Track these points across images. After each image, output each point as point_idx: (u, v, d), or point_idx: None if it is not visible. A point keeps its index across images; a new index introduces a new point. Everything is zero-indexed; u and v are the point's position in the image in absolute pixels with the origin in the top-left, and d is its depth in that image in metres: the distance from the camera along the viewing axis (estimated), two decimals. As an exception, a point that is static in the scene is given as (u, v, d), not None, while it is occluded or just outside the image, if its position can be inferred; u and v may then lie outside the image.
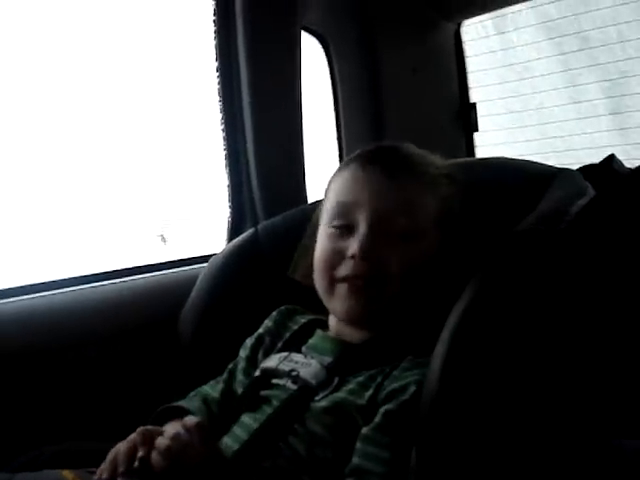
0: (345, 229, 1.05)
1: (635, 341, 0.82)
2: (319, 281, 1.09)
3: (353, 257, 1.02)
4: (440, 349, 0.87)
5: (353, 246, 1.02)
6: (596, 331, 0.84)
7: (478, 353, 0.86)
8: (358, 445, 0.93)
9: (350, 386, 0.99)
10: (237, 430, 1.02)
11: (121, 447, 0.91)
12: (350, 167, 1.10)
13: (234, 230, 1.57)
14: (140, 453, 0.88)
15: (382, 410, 0.94)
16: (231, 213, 1.58)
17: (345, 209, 1.06)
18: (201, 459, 0.89)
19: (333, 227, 1.07)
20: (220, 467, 0.92)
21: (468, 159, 1.76)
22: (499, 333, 0.86)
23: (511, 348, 0.85)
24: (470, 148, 1.95)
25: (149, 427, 0.93)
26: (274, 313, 1.19)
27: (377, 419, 0.94)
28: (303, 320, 1.16)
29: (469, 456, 0.83)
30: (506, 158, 1.31)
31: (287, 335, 1.14)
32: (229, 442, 1.00)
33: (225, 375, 1.16)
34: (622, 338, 0.82)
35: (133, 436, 0.92)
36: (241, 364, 1.15)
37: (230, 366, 1.17)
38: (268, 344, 1.14)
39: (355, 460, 0.93)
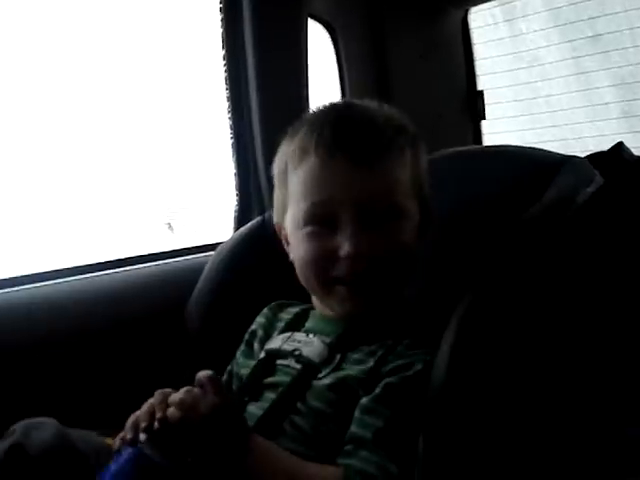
0: (326, 226, 1.02)
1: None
2: (310, 282, 1.06)
3: (346, 257, 0.99)
4: (449, 337, 0.88)
5: (344, 246, 0.99)
6: (603, 320, 0.84)
7: (487, 341, 0.86)
8: (356, 414, 0.95)
9: (351, 362, 1.00)
10: None
11: (140, 411, 0.92)
12: (309, 160, 1.03)
13: (241, 218, 1.57)
14: (159, 414, 0.89)
15: (383, 383, 0.95)
16: (238, 201, 1.59)
17: (322, 208, 1.02)
18: (215, 409, 0.89)
19: (311, 226, 1.03)
20: (234, 416, 0.92)
21: (475, 147, 1.76)
22: (508, 320, 0.86)
23: (520, 335, 0.86)
24: (477, 136, 1.94)
25: (165, 389, 0.93)
26: (264, 309, 1.20)
27: (377, 390, 0.94)
28: (295, 310, 1.16)
29: (476, 444, 0.83)
30: (513, 146, 1.30)
31: (281, 325, 1.14)
32: None
33: (225, 376, 1.17)
34: (630, 325, 0.82)
35: (150, 400, 0.93)
36: (239, 360, 1.16)
37: (228, 368, 1.18)
38: (262, 335, 1.15)
39: (352, 428, 0.94)
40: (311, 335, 1.07)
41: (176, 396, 0.90)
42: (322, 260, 1.02)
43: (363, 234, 0.99)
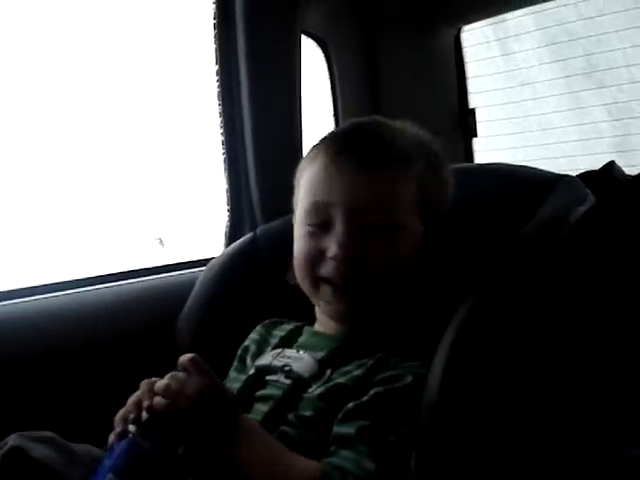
0: (321, 227, 1.04)
1: (636, 347, 0.82)
2: (302, 280, 1.09)
3: (333, 259, 1.01)
4: (441, 355, 0.87)
5: (332, 247, 1.01)
6: (597, 338, 0.84)
7: (479, 360, 0.86)
8: (339, 416, 0.95)
9: (341, 373, 1.00)
10: None
11: (127, 404, 0.92)
12: (319, 159, 1.07)
13: (232, 234, 1.56)
14: (145, 403, 0.88)
15: (371, 392, 0.95)
16: (229, 217, 1.58)
17: (319, 208, 1.04)
18: (202, 390, 0.89)
19: (309, 225, 1.06)
20: (222, 395, 0.91)
21: (468, 164, 1.76)
22: (500, 340, 0.86)
23: (512, 355, 0.85)
24: (469, 153, 1.94)
25: (151, 379, 0.92)
26: (258, 327, 1.20)
27: (364, 398, 0.94)
28: (290, 327, 1.16)
29: (469, 462, 0.83)
30: (506, 164, 1.31)
31: (275, 341, 1.14)
32: None
33: None
34: (623, 345, 0.82)
35: (137, 392, 0.92)
36: (232, 375, 1.15)
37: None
38: (255, 351, 1.14)
39: (335, 429, 0.94)
40: (302, 351, 1.07)
41: (161, 383, 0.89)
42: (312, 258, 1.05)
43: (354, 238, 1.00)
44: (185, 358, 0.92)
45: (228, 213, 1.58)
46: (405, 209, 1.03)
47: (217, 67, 1.50)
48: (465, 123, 1.91)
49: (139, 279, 1.49)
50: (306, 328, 1.13)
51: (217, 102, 1.52)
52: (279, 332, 1.16)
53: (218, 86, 1.51)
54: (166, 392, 0.88)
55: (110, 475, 0.86)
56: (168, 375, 0.91)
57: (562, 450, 0.82)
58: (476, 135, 1.93)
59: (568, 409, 0.83)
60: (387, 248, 1.01)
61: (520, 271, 0.89)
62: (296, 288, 1.29)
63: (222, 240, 1.58)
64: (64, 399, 1.30)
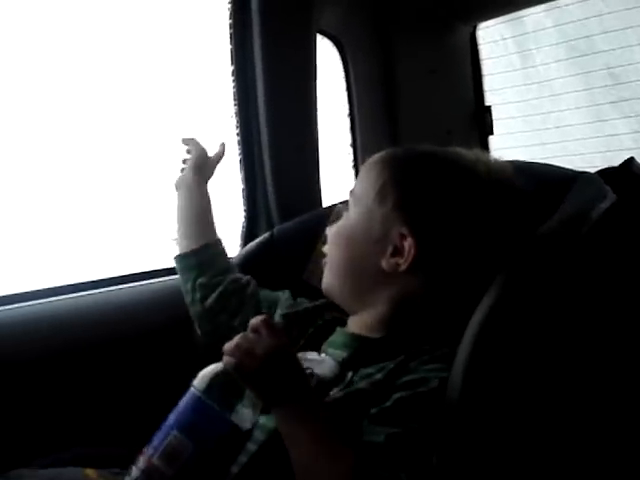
0: None
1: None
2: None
3: None
4: (463, 354, 0.87)
5: None
6: (616, 333, 0.83)
7: (500, 358, 0.85)
8: (365, 424, 0.94)
9: (362, 376, 1.00)
10: (255, 432, 1.00)
11: None
12: None
13: (249, 235, 1.56)
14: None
15: (395, 396, 0.94)
16: (246, 217, 1.58)
17: None
18: (272, 351, 0.90)
19: None
20: (291, 357, 0.94)
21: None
22: (522, 335, 0.86)
23: (533, 350, 0.85)
24: (485, 151, 1.93)
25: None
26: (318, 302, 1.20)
27: (388, 403, 0.94)
28: (327, 317, 1.16)
29: (491, 460, 0.82)
30: (525, 162, 1.30)
31: (311, 330, 1.15)
32: (247, 445, 1.00)
33: None
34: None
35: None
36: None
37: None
38: (303, 323, 1.16)
39: (364, 438, 0.92)
40: (323, 354, 1.07)
41: (231, 343, 0.92)
42: None
43: None
44: (257, 319, 0.94)
45: (244, 213, 1.58)
46: (352, 202, 1.11)
47: (232, 67, 1.50)
48: (481, 121, 1.90)
49: (155, 280, 1.49)
50: (338, 329, 1.12)
51: (233, 103, 1.51)
52: (318, 319, 1.16)
53: (234, 87, 1.51)
54: (235, 351, 0.90)
55: (174, 432, 0.88)
56: (240, 335, 0.93)
57: (578, 444, 0.81)
58: (492, 133, 1.92)
59: (587, 404, 0.82)
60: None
61: (543, 268, 0.88)
62: (314, 287, 1.29)
63: (238, 241, 1.58)
64: (69, 401, 1.31)
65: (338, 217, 1.30)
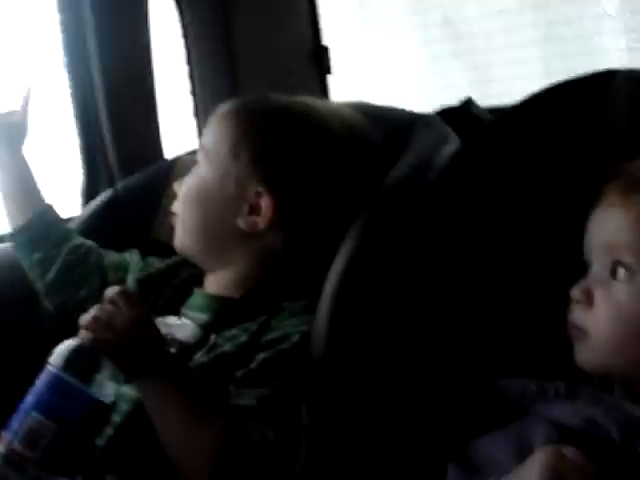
0: None
1: (509, 287, 0.85)
2: None
3: None
4: (325, 304, 0.88)
5: None
6: (470, 283, 0.86)
7: (361, 305, 0.88)
8: (231, 387, 0.94)
9: (226, 338, 0.99)
10: (119, 402, 0.97)
11: None
12: None
13: (89, 191, 1.47)
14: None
15: (259, 357, 0.94)
16: (84, 174, 1.48)
17: None
18: (132, 322, 0.88)
19: None
20: (151, 328, 0.92)
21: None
22: (379, 282, 0.88)
23: (390, 301, 0.87)
24: (324, 91, 1.94)
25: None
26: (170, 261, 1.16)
27: (253, 365, 0.94)
28: (184, 275, 1.13)
29: (360, 412, 0.84)
30: (371, 105, 1.30)
31: (168, 292, 1.11)
32: (112, 417, 0.97)
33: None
34: (494, 287, 0.85)
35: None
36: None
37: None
38: (158, 285, 1.12)
39: (232, 402, 0.92)
40: (183, 318, 1.05)
41: (87, 316, 0.88)
42: None
43: None
44: (113, 290, 0.90)
45: (82, 170, 1.48)
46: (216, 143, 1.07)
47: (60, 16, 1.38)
48: (319, 61, 1.90)
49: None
50: (195, 290, 1.10)
51: (62, 54, 1.40)
52: (174, 280, 1.13)
53: (62, 36, 1.39)
54: (93, 325, 0.86)
55: (34, 414, 0.85)
56: (95, 307, 0.88)
57: (442, 385, 0.85)
58: (330, 72, 1.93)
59: (446, 344, 0.86)
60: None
61: (394, 218, 0.90)
62: (163, 243, 1.25)
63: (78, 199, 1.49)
64: None
65: (184, 170, 1.27)
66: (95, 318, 0.87)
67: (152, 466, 0.92)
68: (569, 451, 0.66)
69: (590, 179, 0.79)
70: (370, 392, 0.85)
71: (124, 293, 0.90)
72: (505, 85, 1.90)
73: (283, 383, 0.92)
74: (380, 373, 0.85)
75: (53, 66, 1.44)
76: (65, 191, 1.50)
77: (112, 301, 0.89)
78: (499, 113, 1.30)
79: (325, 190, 1.03)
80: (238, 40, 1.72)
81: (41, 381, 0.87)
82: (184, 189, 1.09)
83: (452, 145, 1.05)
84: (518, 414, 0.78)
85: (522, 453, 0.73)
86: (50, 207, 1.20)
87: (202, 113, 1.69)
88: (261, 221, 1.01)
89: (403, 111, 1.25)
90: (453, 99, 1.22)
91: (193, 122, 1.67)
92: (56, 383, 0.86)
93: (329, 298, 0.88)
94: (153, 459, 0.92)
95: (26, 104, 1.21)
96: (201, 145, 1.09)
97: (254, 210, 1.02)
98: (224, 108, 1.09)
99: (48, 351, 1.21)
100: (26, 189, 1.19)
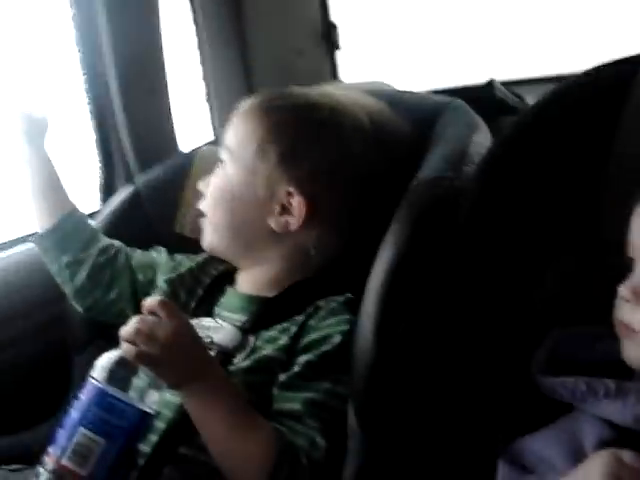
0: None
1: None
2: None
3: None
4: (370, 304, 0.87)
5: None
6: (508, 277, 0.86)
7: (409, 304, 0.86)
8: (275, 392, 0.93)
9: (266, 340, 0.98)
10: (162, 410, 0.96)
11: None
12: None
13: (107, 186, 1.46)
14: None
15: (302, 360, 0.94)
16: (102, 168, 1.46)
17: None
18: (174, 333, 0.87)
19: None
20: (194, 337, 0.91)
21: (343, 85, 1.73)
22: (421, 285, 0.87)
23: (437, 299, 0.86)
24: (334, 68, 1.92)
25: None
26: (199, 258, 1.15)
27: (296, 368, 0.93)
28: (214, 272, 1.12)
29: (411, 409, 0.84)
30: (383, 87, 1.28)
31: (200, 291, 1.10)
32: (155, 424, 0.97)
33: None
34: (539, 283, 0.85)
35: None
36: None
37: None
38: (189, 285, 1.11)
39: (275, 406, 0.92)
40: (220, 320, 1.04)
41: (129, 328, 0.86)
42: None
43: None
44: (152, 300, 0.89)
45: (100, 164, 1.47)
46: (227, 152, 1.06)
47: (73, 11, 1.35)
48: (328, 38, 1.88)
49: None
50: (228, 289, 1.08)
51: (77, 48, 1.38)
52: (205, 278, 1.11)
53: (76, 31, 1.37)
54: (135, 338, 0.85)
55: (81, 429, 0.84)
56: (135, 319, 0.87)
57: (489, 382, 0.85)
58: (338, 48, 1.91)
59: (492, 341, 0.85)
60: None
61: (435, 215, 0.89)
62: (186, 237, 1.24)
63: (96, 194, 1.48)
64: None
65: (203, 164, 1.25)
66: (137, 330, 0.86)
67: (196, 473, 0.93)
68: (627, 455, 0.66)
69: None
70: (420, 391, 0.84)
71: (164, 303, 0.88)
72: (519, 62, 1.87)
73: (328, 386, 0.91)
74: (428, 371, 0.85)
75: (67, 61, 1.41)
76: (82, 185, 1.49)
77: (152, 312, 0.88)
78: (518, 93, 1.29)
79: (356, 186, 1.01)
80: (249, 20, 1.70)
81: (86, 396, 0.86)
82: (210, 189, 1.07)
83: (481, 134, 1.04)
84: (562, 410, 0.78)
85: (574, 453, 0.73)
86: (75, 208, 1.19)
87: (214, 97, 1.67)
88: (294, 221, 1.00)
89: (427, 96, 1.23)
90: (464, 77, 1.20)
91: (205, 107, 1.66)
92: (101, 398, 0.85)
93: (375, 297, 0.86)
94: (197, 466, 0.92)
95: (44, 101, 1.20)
96: (225, 145, 1.07)
97: (285, 210, 1.00)
98: (247, 105, 1.06)
99: (78, 351, 1.24)
100: (51, 185, 1.17)
